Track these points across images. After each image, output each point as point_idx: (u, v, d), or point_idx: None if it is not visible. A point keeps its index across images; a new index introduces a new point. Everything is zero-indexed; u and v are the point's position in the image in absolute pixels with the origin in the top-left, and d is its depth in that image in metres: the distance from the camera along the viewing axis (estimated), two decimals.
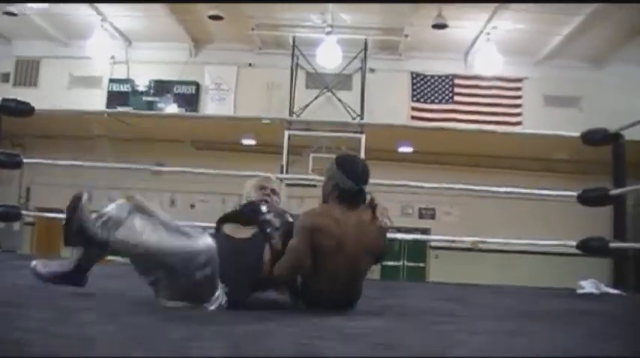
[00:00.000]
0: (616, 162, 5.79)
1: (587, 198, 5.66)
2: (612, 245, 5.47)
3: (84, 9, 12.58)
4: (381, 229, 3.22)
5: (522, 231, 10.62)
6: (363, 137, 12.26)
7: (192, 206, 15.73)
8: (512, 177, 13.11)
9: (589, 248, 5.59)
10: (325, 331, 2.40)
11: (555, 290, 5.67)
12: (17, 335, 1.85)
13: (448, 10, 11.91)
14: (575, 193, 5.71)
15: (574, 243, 5.69)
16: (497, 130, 11.76)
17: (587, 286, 5.32)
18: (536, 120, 12.88)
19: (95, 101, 13.56)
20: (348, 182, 3.24)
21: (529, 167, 14.23)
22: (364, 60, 13.43)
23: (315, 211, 3.29)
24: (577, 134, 5.78)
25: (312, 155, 12.91)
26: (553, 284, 6.64)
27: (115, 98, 13.77)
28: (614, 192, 5.55)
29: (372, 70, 13.57)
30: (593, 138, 5.66)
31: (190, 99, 13.83)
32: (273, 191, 3.64)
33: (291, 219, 3.31)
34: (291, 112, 13.05)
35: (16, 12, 12.62)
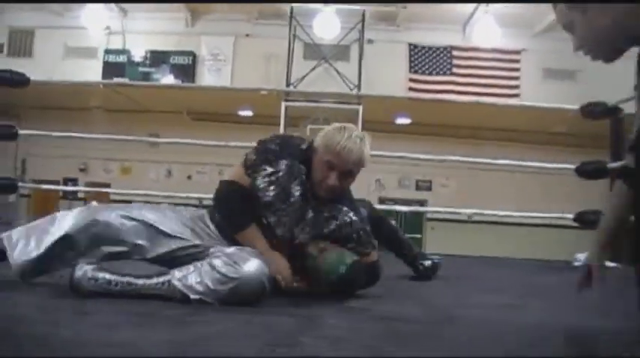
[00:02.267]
0: (614, 136, 5.79)
1: (585, 171, 5.65)
2: None
3: None
4: None
5: (519, 203, 10.64)
6: (361, 108, 12.21)
7: (189, 177, 15.72)
8: (510, 149, 13.14)
9: (586, 220, 5.60)
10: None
11: (552, 262, 5.71)
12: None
13: None
14: (572, 166, 5.70)
15: (571, 216, 5.70)
16: (496, 102, 11.73)
17: (584, 259, 5.34)
18: (534, 92, 12.83)
19: (91, 72, 13.46)
20: None
21: (527, 139, 14.21)
22: (362, 31, 13.32)
23: None
24: (576, 107, 5.75)
25: (309, 126, 12.86)
26: (551, 256, 6.69)
27: (110, 69, 13.69)
28: (612, 165, 5.55)
29: (370, 41, 13.47)
30: (593, 111, 5.63)
31: (187, 70, 13.74)
32: (350, 174, 2.61)
33: None
34: (288, 83, 12.98)
35: None
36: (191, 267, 2.31)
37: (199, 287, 2.25)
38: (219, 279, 2.24)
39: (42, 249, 2.41)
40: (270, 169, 2.58)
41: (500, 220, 12.32)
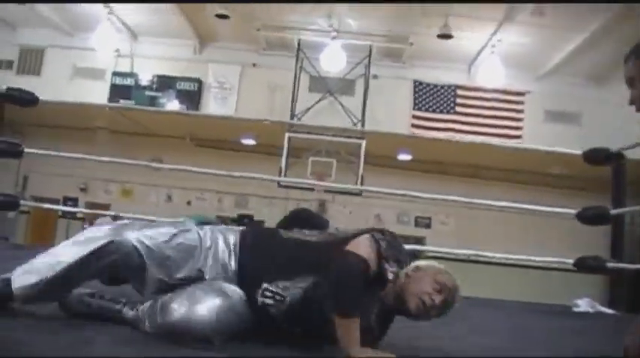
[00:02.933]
0: (616, 182, 5.81)
1: (587, 217, 5.65)
2: (610, 265, 5.48)
3: None
4: None
5: (517, 244, 10.66)
6: (364, 143, 12.26)
7: (189, 202, 15.71)
8: (510, 189, 13.18)
9: (586, 266, 5.60)
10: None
11: (551, 306, 5.69)
12: None
13: (454, 20, 11.91)
14: (574, 211, 5.70)
15: (571, 261, 5.70)
16: (497, 144, 11.80)
17: (583, 305, 5.35)
18: (536, 134, 12.91)
19: (98, 93, 13.55)
20: None
21: (527, 180, 14.24)
22: (368, 66, 13.42)
23: None
24: (578, 152, 5.77)
25: (311, 158, 12.91)
26: (548, 299, 6.66)
27: (117, 91, 13.78)
28: (614, 212, 5.55)
29: (375, 77, 13.56)
30: (595, 157, 5.65)
31: (192, 97, 13.82)
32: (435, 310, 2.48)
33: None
34: (292, 115, 13.05)
35: None
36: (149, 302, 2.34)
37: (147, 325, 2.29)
38: (161, 325, 2.25)
39: (51, 273, 2.29)
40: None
41: (499, 261, 12.30)
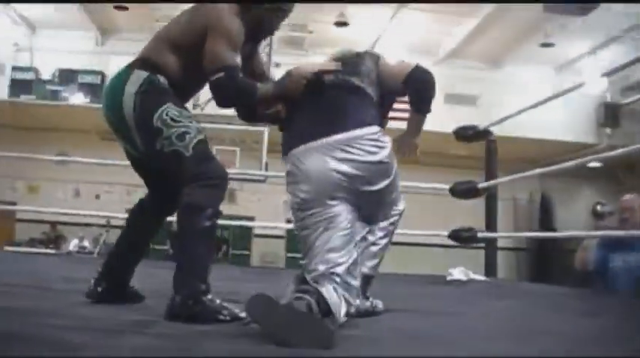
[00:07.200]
0: (487, 157, 6.16)
1: (458, 191, 6.02)
2: (481, 235, 5.85)
3: None
4: None
5: (414, 224, 10.97)
6: (267, 131, 12.42)
7: (98, 196, 15.57)
8: (415, 171, 13.46)
9: (460, 238, 5.95)
10: None
11: (425, 277, 6.00)
12: None
13: (349, 8, 12.16)
14: (447, 186, 6.06)
15: (446, 233, 6.04)
16: (402, 127, 12.12)
17: (456, 273, 5.65)
18: (436, 117, 13.22)
19: None
20: None
21: (432, 162, 14.59)
22: (269, 54, 13.56)
23: None
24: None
25: (216, 147, 12.97)
26: (430, 271, 6.97)
27: (18, 86, 13.53)
28: (482, 184, 5.91)
29: (277, 65, 13.69)
30: (465, 134, 6.01)
31: (96, 89, 13.63)
32: None
33: None
34: (195, 105, 13.08)
35: None
36: None
37: None
38: None
39: None
40: None
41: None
